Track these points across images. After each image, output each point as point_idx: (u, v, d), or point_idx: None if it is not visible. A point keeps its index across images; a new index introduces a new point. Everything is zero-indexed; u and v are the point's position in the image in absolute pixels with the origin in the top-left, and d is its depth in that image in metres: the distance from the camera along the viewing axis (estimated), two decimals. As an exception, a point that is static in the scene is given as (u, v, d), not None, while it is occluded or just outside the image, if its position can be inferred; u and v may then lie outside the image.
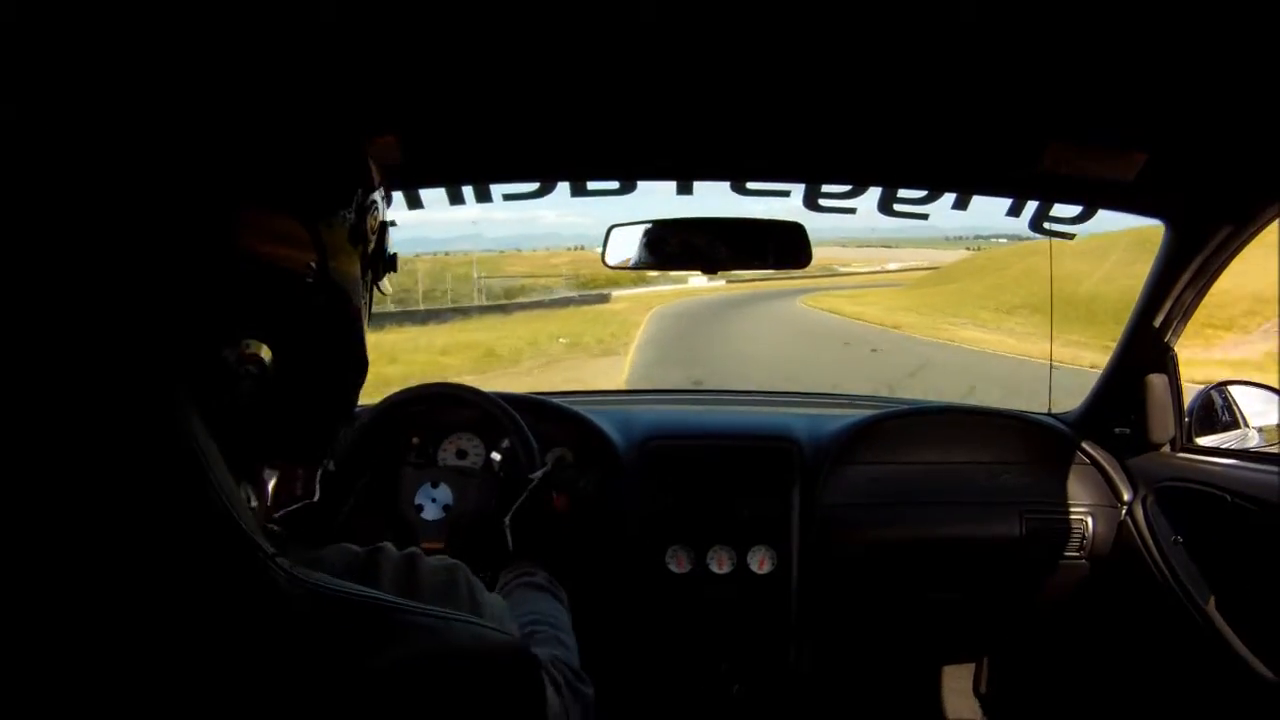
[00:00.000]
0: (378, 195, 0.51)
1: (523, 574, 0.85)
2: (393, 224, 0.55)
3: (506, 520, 0.96)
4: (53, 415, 0.35)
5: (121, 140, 0.39)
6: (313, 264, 0.44)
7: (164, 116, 0.40)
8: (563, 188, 1.21)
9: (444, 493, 1.04)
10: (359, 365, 0.51)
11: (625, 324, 19.99)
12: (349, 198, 0.47)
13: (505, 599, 0.79)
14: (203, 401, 0.39)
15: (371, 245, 0.50)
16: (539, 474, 1.03)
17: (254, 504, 0.47)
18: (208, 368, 0.41)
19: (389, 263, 0.54)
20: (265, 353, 0.43)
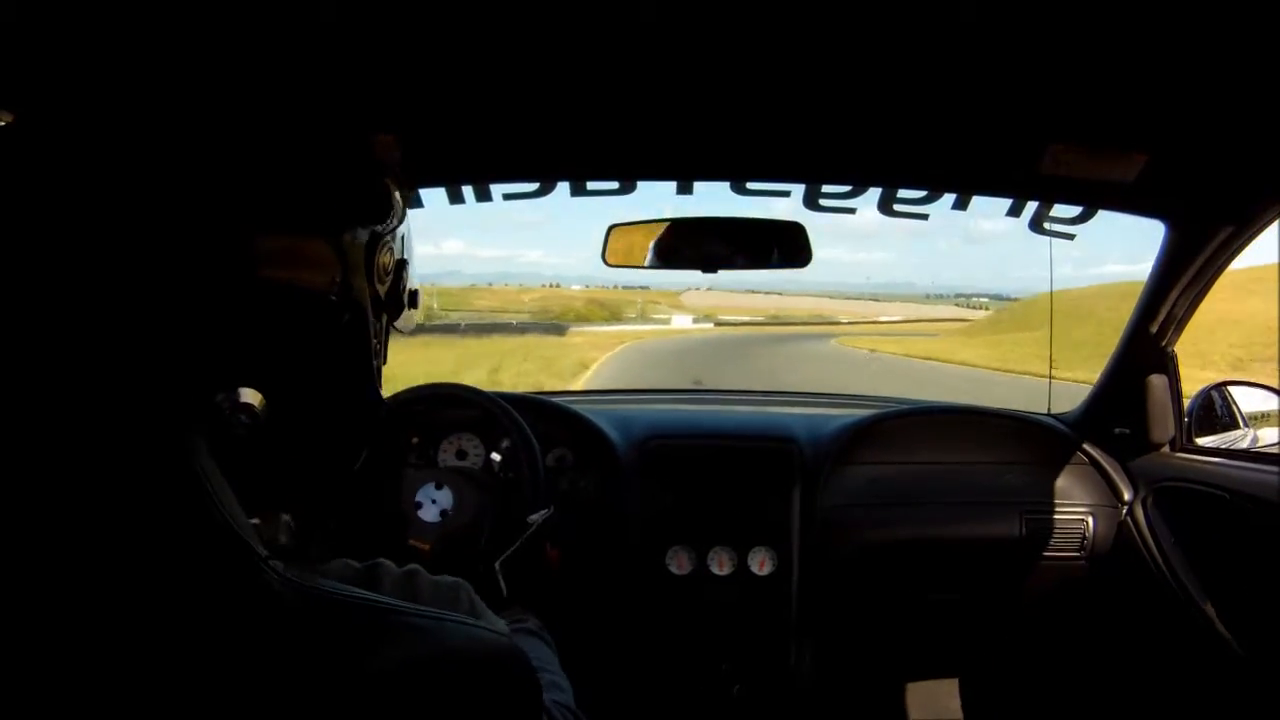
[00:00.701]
0: (400, 230, 0.50)
1: (514, 620, 0.85)
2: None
3: (498, 565, 0.95)
4: (58, 422, 0.35)
5: (132, 156, 0.39)
6: (336, 279, 0.44)
7: (172, 138, 0.40)
8: (562, 187, 1.22)
9: (445, 496, 1.04)
10: (373, 401, 0.49)
11: (553, 367, 15.94)
12: (365, 219, 0.46)
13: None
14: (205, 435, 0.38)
15: (387, 284, 0.49)
16: (538, 518, 1.02)
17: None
18: (205, 407, 0.40)
19: (410, 299, 0.53)
20: (257, 400, 0.42)
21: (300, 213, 0.43)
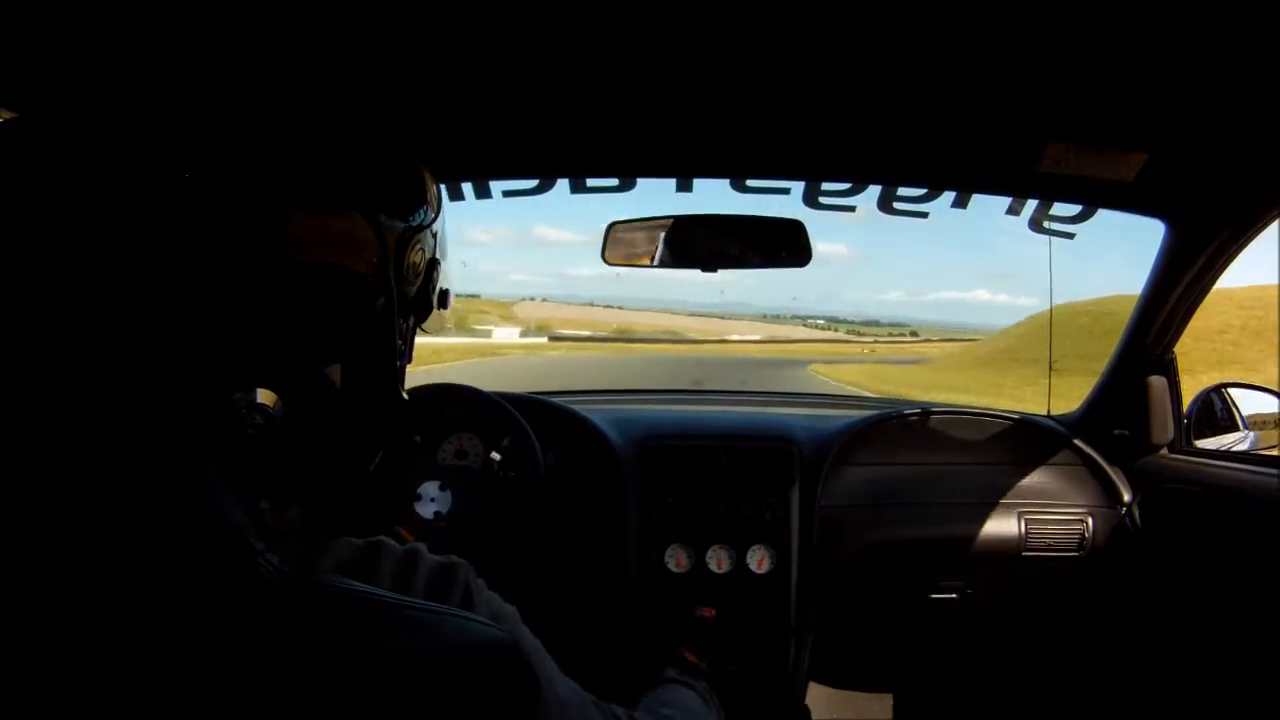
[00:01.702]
0: (435, 226, 0.49)
1: (680, 679, 0.86)
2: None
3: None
4: (59, 415, 0.35)
5: (158, 139, 0.39)
6: (374, 259, 0.43)
7: (194, 120, 0.40)
8: (562, 184, 1.22)
9: (445, 498, 1.04)
10: (395, 401, 0.49)
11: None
12: (398, 202, 0.46)
13: (661, 690, 0.80)
14: (212, 433, 0.38)
15: (416, 284, 0.48)
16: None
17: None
18: (217, 403, 0.40)
19: (441, 300, 0.52)
20: (272, 401, 0.42)
21: (331, 188, 0.42)
